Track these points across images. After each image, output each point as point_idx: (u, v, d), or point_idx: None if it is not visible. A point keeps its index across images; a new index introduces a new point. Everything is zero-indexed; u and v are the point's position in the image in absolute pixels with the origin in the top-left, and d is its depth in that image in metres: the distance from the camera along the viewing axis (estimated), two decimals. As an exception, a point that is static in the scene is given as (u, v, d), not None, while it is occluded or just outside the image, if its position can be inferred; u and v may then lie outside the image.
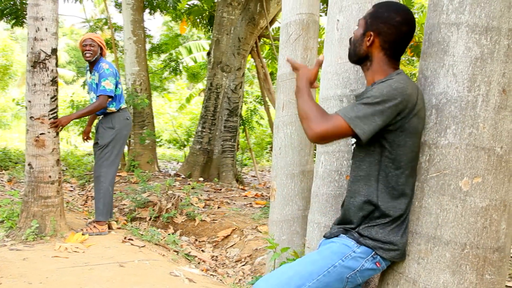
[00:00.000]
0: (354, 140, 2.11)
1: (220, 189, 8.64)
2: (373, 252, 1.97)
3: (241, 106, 10.35)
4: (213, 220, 6.43)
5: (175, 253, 5.09)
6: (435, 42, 2.04)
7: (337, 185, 2.45)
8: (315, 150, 2.83)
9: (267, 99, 10.56)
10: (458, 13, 1.97)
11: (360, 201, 2.01)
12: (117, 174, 8.75)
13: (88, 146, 14.27)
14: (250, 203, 7.55)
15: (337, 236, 2.04)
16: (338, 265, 1.93)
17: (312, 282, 1.92)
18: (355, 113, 1.87)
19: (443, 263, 1.96)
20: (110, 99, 5.03)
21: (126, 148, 9.98)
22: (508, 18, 1.91)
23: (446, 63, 1.99)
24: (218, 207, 7.06)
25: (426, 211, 2.01)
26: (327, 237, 2.10)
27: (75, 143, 10.41)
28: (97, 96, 4.96)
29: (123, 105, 5.25)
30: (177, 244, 5.36)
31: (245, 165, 12.52)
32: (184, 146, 12.91)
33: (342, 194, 2.42)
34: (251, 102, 12.25)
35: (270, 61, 12.98)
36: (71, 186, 8.34)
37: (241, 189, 9.10)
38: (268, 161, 16.86)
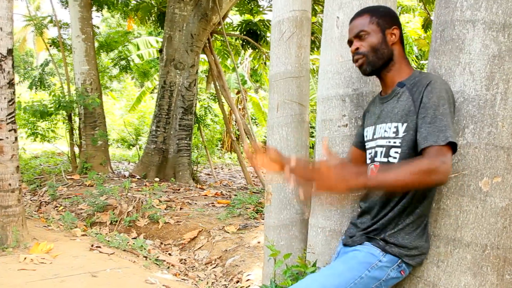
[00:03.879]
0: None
1: (179, 189, 8.44)
2: (399, 261, 1.89)
3: (196, 104, 10.16)
4: (177, 222, 6.25)
5: (145, 258, 4.90)
6: (449, 39, 1.99)
7: (342, 188, 2.36)
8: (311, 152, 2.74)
9: (221, 96, 10.40)
10: (473, 10, 1.92)
11: (394, 204, 1.91)
12: (70, 177, 8.43)
13: (34, 149, 13.67)
14: (212, 203, 7.41)
15: (360, 244, 1.95)
16: (365, 276, 1.85)
17: None
18: (451, 130, 1.72)
19: (464, 265, 1.92)
20: None
21: (77, 150, 9.61)
22: (525, 15, 1.88)
23: (462, 61, 1.94)
24: (181, 208, 6.88)
25: (445, 213, 1.95)
26: (348, 245, 2.01)
27: (23, 145, 9.90)
28: None
29: None
30: (145, 249, 5.17)
31: (198, 163, 12.34)
32: (134, 145, 12.59)
33: (347, 197, 2.34)
34: (204, 99, 12.04)
35: (220, 58, 12.81)
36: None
37: (200, 188, 8.92)
38: (219, 158, 16.69)
